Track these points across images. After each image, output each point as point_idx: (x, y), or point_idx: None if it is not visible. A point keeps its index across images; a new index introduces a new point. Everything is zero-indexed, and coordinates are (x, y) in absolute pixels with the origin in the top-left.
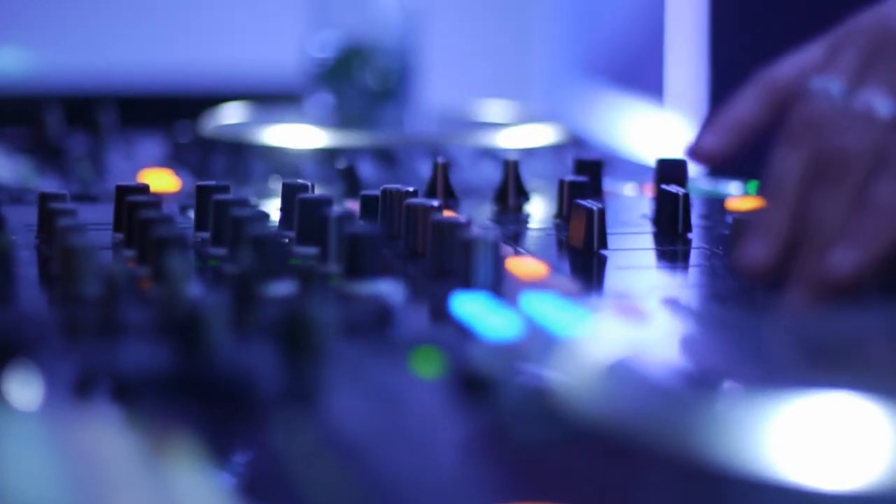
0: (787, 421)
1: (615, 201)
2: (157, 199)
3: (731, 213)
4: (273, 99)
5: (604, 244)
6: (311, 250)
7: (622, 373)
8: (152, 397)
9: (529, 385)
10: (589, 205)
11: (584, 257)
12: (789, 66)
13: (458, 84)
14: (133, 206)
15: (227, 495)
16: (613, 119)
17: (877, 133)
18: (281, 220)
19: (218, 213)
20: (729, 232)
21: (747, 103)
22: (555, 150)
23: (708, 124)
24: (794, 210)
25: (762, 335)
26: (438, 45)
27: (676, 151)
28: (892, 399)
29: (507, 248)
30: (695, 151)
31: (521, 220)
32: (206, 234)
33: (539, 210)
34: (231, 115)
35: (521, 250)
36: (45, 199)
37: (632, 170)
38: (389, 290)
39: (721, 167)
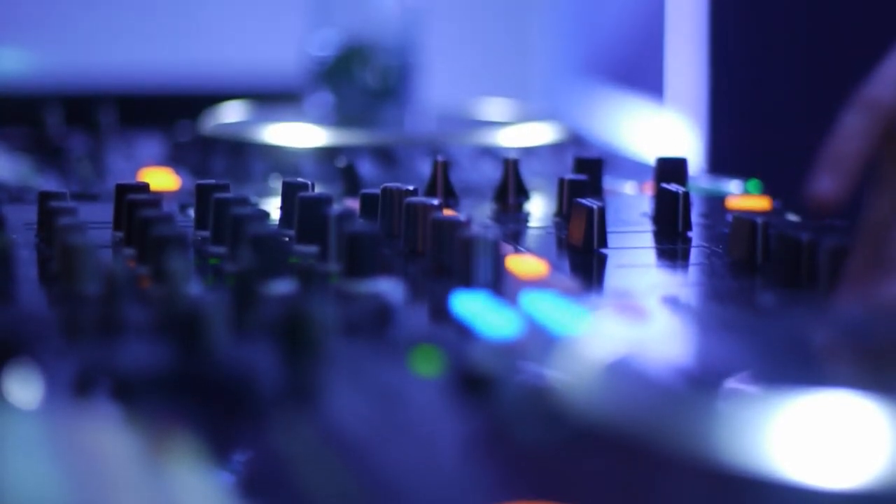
0: (787, 419)
1: (615, 200)
2: (157, 198)
3: (732, 211)
4: (273, 98)
5: (604, 243)
6: (311, 249)
7: (622, 371)
8: (152, 396)
9: (529, 384)
10: (589, 203)
11: (584, 256)
12: (890, 83)
13: (458, 83)
14: (133, 204)
15: (227, 494)
16: (613, 117)
17: None
18: (281, 219)
19: (218, 211)
20: (729, 230)
21: (857, 136)
22: (555, 148)
23: (821, 165)
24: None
25: (762, 334)
26: (438, 43)
27: (676, 150)
28: (891, 398)
29: (507, 247)
30: (814, 198)
31: (521, 218)
32: (206, 233)
33: (539, 208)
34: (231, 113)
35: (521, 249)
36: (45, 197)
37: (632, 168)
38: (389, 288)
39: (838, 210)
